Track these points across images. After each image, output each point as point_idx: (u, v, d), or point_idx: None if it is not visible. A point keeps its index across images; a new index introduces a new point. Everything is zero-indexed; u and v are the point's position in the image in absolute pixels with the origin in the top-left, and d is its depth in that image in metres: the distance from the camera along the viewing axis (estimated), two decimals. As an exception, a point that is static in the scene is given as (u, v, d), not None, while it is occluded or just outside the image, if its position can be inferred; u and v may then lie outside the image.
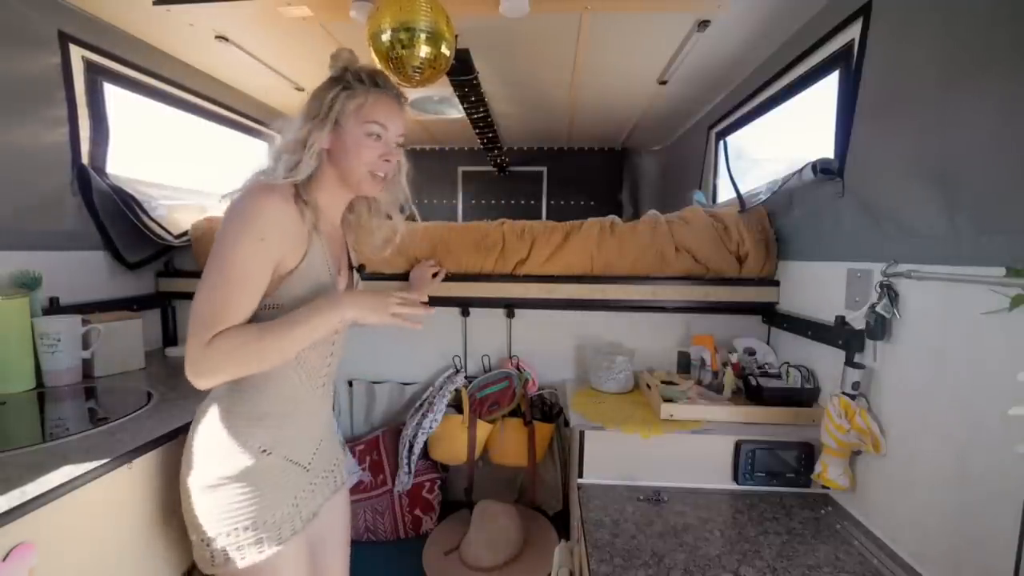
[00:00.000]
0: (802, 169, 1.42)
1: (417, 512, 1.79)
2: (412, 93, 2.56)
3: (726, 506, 1.22)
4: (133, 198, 1.74)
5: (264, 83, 2.27)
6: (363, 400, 1.94)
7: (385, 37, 1.37)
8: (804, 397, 1.37)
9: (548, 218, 3.98)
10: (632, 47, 1.90)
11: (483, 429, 1.69)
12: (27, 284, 1.39)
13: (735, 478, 1.31)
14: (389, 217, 1.14)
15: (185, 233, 1.87)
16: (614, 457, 1.34)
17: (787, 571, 0.97)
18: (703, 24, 1.65)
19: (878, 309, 1.08)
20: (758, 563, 0.99)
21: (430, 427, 1.68)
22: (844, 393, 1.16)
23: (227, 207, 0.89)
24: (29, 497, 0.78)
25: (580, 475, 1.34)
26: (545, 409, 1.80)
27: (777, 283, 1.63)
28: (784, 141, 2.07)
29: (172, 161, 2.15)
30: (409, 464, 1.71)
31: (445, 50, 1.43)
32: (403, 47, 1.37)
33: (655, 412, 1.40)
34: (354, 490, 1.78)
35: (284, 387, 0.96)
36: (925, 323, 1.01)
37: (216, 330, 0.81)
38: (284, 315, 0.88)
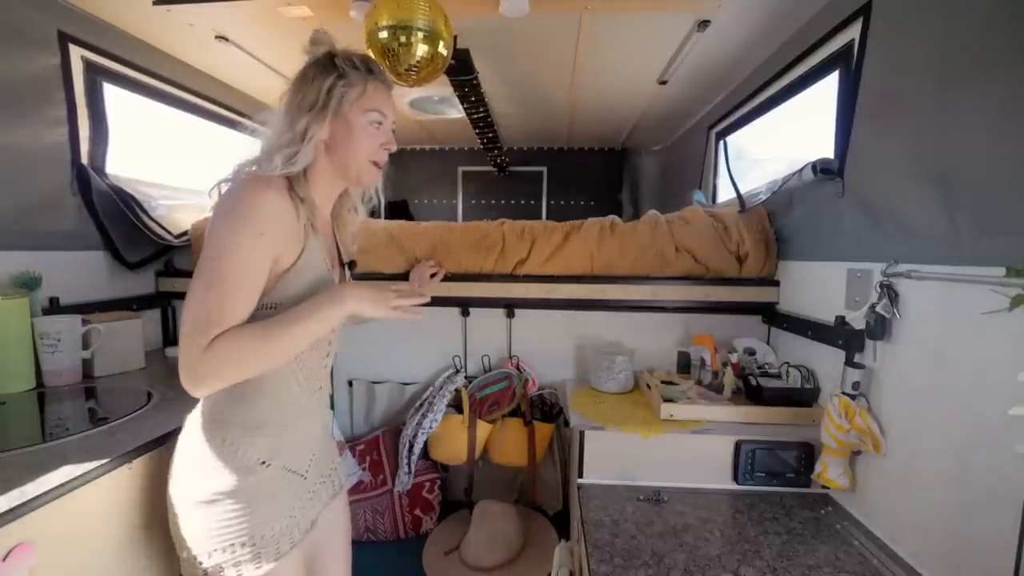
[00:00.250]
0: (802, 169, 1.42)
1: (417, 512, 1.79)
2: (412, 93, 2.57)
3: (726, 506, 1.22)
4: (133, 198, 1.74)
5: (264, 83, 2.27)
6: (363, 400, 1.94)
7: (382, 35, 1.37)
8: (804, 397, 1.36)
9: (548, 218, 3.98)
10: (632, 47, 1.90)
11: (483, 429, 1.69)
12: (27, 284, 1.39)
13: (735, 478, 1.31)
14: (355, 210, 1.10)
15: (185, 233, 1.87)
16: (614, 457, 1.34)
17: (787, 571, 0.97)
18: (703, 24, 1.65)
19: (878, 309, 1.08)
20: (758, 563, 0.99)
21: (430, 427, 1.68)
22: (844, 393, 1.16)
23: (219, 201, 0.84)
24: (29, 497, 0.78)
25: (580, 475, 1.34)
26: (545, 409, 1.80)
27: (777, 283, 1.63)
28: (784, 141, 2.07)
29: (172, 161, 2.15)
30: (409, 464, 1.71)
31: (443, 50, 1.43)
32: (400, 46, 1.37)
33: (655, 412, 1.40)
34: (354, 490, 1.78)
35: (283, 392, 0.92)
36: (925, 323, 1.01)
37: (214, 332, 0.76)
38: (283, 313, 0.84)
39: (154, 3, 1.54)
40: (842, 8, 1.36)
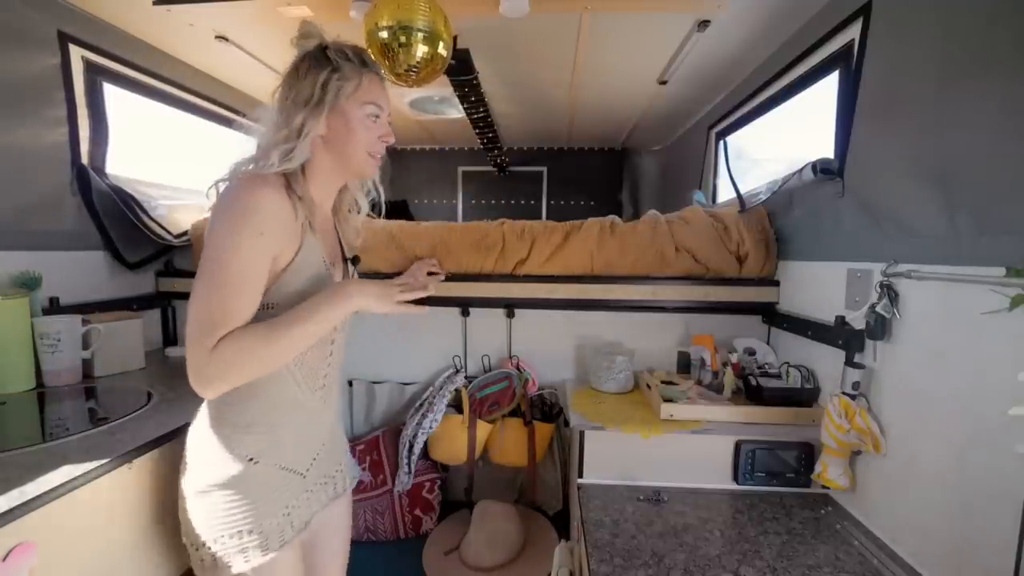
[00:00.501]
0: (802, 169, 1.42)
1: (417, 512, 1.79)
2: (412, 93, 2.57)
3: (726, 506, 1.22)
4: (133, 198, 1.74)
5: (264, 83, 2.26)
6: (363, 400, 1.94)
7: (382, 35, 1.37)
8: (804, 397, 1.36)
9: (548, 218, 3.98)
10: (632, 47, 1.90)
11: (483, 429, 1.69)
12: (27, 284, 1.39)
13: (735, 478, 1.31)
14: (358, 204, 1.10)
15: (185, 233, 1.87)
16: (614, 457, 1.34)
17: (787, 571, 0.97)
18: (703, 24, 1.65)
19: (878, 309, 1.08)
20: (758, 563, 0.99)
21: (430, 427, 1.68)
22: (844, 393, 1.16)
23: (217, 201, 0.83)
24: (29, 497, 0.78)
25: (580, 475, 1.34)
26: (545, 409, 1.80)
27: (777, 283, 1.63)
28: (784, 141, 2.07)
29: (172, 161, 2.15)
30: (409, 464, 1.71)
31: (442, 50, 1.43)
32: (400, 46, 1.37)
33: (655, 412, 1.40)
34: (354, 490, 1.77)
35: (280, 391, 0.91)
36: (925, 323, 1.01)
37: (219, 335, 0.76)
38: (284, 313, 0.83)
39: (154, 3, 1.54)
40: (842, 8, 1.36)
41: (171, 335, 1.95)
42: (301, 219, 0.87)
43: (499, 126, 3.09)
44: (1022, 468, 0.78)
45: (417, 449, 1.70)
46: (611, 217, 1.73)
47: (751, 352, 1.61)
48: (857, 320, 1.18)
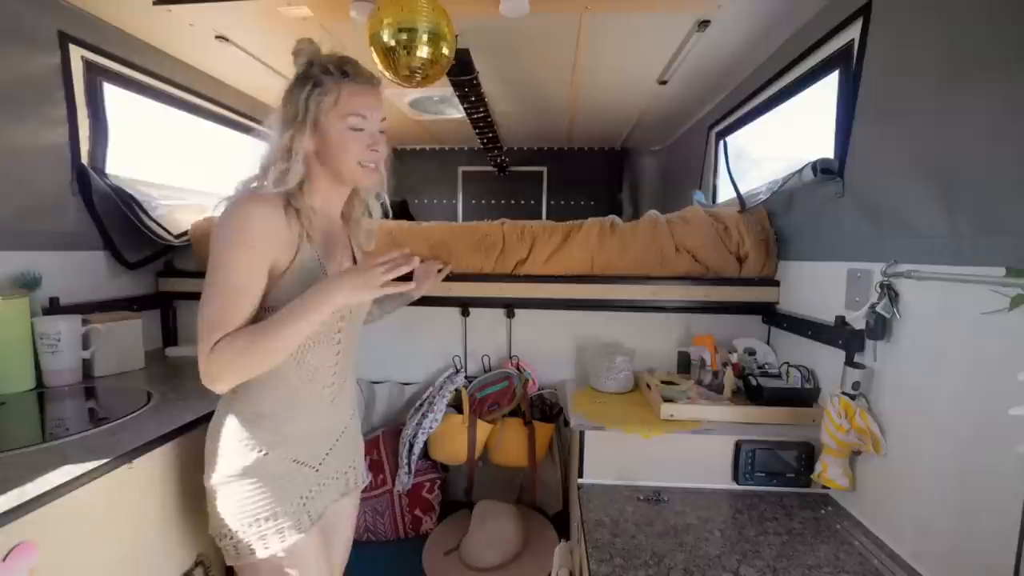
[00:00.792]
0: (802, 169, 1.42)
1: (417, 512, 1.79)
2: (412, 93, 2.57)
3: (726, 506, 1.22)
4: (133, 198, 1.73)
5: (264, 83, 2.27)
6: (363, 400, 1.94)
7: (386, 37, 1.37)
8: (804, 397, 1.37)
9: (548, 218, 3.98)
10: (632, 47, 1.90)
11: (483, 429, 1.69)
12: (27, 284, 1.39)
13: (735, 478, 1.31)
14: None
15: (185, 233, 1.87)
16: (614, 457, 1.34)
17: (787, 571, 0.97)
18: (703, 24, 1.65)
19: (878, 309, 1.08)
20: (758, 563, 0.99)
21: (430, 427, 1.68)
22: (844, 393, 1.16)
23: (219, 217, 0.89)
24: (29, 497, 0.78)
25: (580, 475, 1.34)
26: (545, 409, 1.80)
27: (777, 283, 1.63)
28: (784, 141, 2.07)
29: (172, 161, 2.15)
30: (409, 464, 1.71)
31: (445, 50, 1.43)
32: (404, 47, 1.37)
33: (655, 412, 1.40)
34: (354, 490, 1.78)
35: (282, 388, 0.96)
36: (925, 323, 1.01)
37: (217, 337, 0.84)
38: (273, 315, 0.87)
39: (154, 3, 1.54)
40: (842, 8, 1.36)
41: (171, 335, 1.95)
42: (298, 230, 0.92)
43: (499, 126, 3.09)
44: (1022, 468, 0.78)
45: (417, 449, 1.70)
46: (611, 217, 1.73)
47: (751, 352, 1.61)
48: (857, 320, 1.18)
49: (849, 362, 1.18)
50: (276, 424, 0.96)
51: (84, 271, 1.63)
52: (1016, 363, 0.79)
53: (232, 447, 0.94)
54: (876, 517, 1.12)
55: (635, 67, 2.11)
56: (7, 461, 0.87)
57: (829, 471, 1.18)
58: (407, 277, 0.96)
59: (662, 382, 1.52)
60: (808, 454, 1.28)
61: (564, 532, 1.66)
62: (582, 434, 1.34)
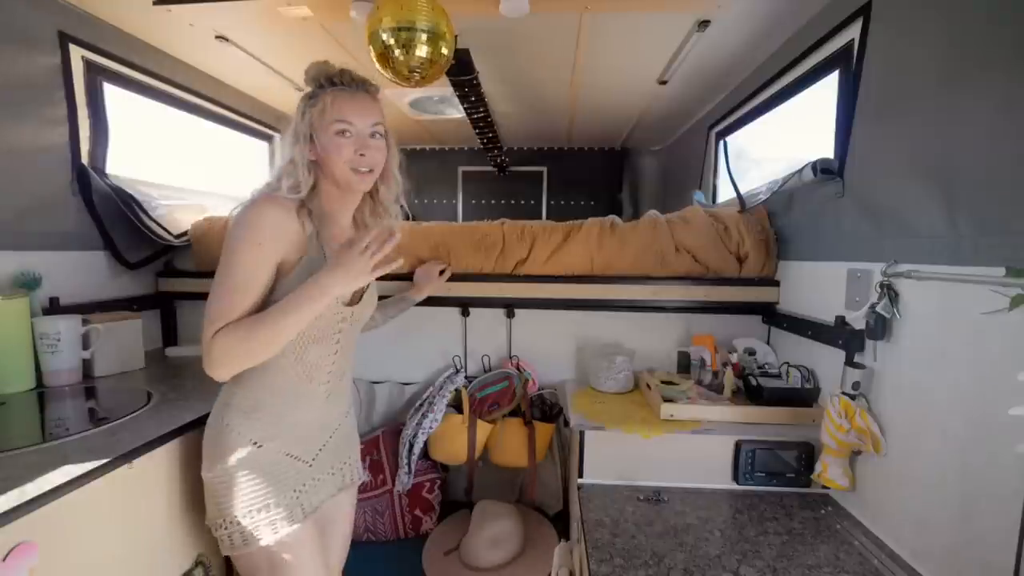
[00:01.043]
0: (802, 169, 1.42)
1: (417, 512, 1.79)
2: (412, 93, 2.57)
3: (726, 506, 1.22)
4: (133, 198, 1.73)
5: (264, 83, 2.27)
6: (363, 400, 1.94)
7: (384, 36, 1.37)
8: (804, 397, 1.37)
9: (548, 218, 3.98)
10: (632, 47, 1.90)
11: (483, 429, 1.69)
12: (27, 284, 1.39)
13: (735, 478, 1.31)
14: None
15: (185, 233, 1.87)
16: (614, 457, 1.34)
17: (787, 571, 0.97)
18: (703, 24, 1.65)
19: (878, 309, 1.08)
20: (758, 563, 0.99)
21: (430, 427, 1.68)
22: (844, 393, 1.16)
23: (235, 216, 0.95)
24: (29, 497, 0.78)
25: (580, 475, 1.34)
26: (545, 409, 1.80)
27: (777, 283, 1.63)
28: (784, 141, 2.07)
29: (172, 161, 2.15)
30: (409, 464, 1.71)
31: (444, 50, 1.43)
32: (402, 46, 1.37)
33: (655, 412, 1.40)
34: (354, 490, 1.78)
35: (279, 381, 1.00)
36: (925, 323, 1.01)
37: (220, 325, 0.89)
38: (271, 307, 0.93)
39: (154, 3, 1.54)
40: (842, 8, 1.36)
41: (171, 335, 1.95)
42: (310, 231, 0.98)
43: (499, 126, 3.09)
44: (1022, 468, 0.78)
45: (417, 449, 1.70)
46: (611, 217, 1.73)
47: (751, 352, 1.61)
48: (857, 320, 1.18)
49: (849, 362, 1.18)
50: (272, 417, 1.00)
51: (84, 271, 1.63)
52: (1016, 363, 0.79)
53: (228, 438, 0.97)
54: (876, 517, 1.12)
55: (635, 67, 2.11)
56: (7, 461, 0.87)
57: (829, 471, 1.18)
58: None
59: (662, 382, 1.52)
60: (808, 454, 1.28)
61: (564, 532, 1.66)
62: (582, 434, 1.34)
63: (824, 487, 1.22)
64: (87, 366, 1.45)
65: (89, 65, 1.63)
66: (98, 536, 0.92)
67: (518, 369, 1.79)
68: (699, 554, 1.02)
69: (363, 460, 1.81)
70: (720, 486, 1.31)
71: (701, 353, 1.58)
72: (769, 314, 1.65)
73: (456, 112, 2.78)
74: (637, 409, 1.47)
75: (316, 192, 1.01)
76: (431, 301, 1.62)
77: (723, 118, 2.39)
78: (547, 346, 1.85)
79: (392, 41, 1.36)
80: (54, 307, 1.48)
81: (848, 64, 1.35)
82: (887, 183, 1.13)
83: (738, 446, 1.30)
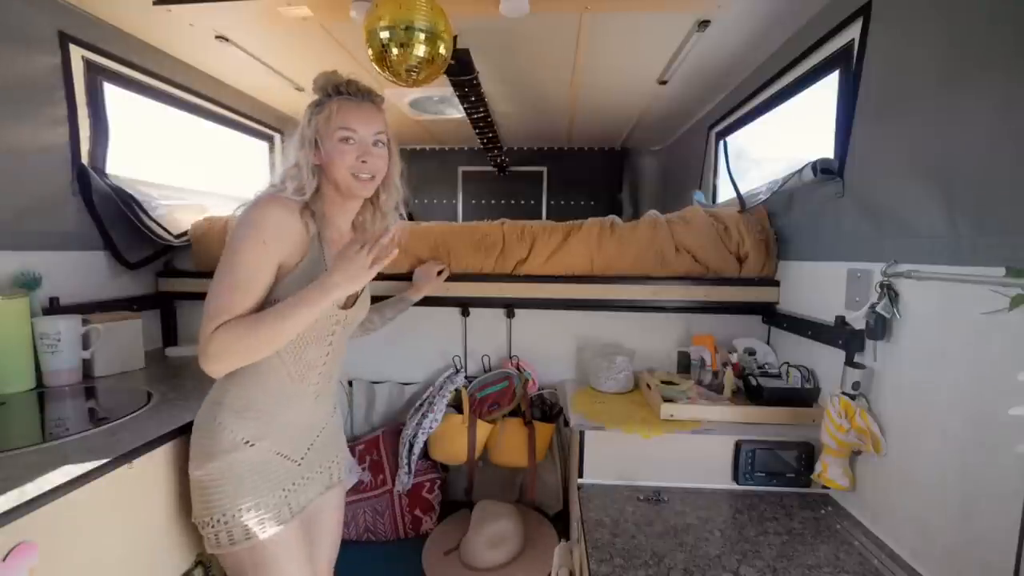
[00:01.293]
0: (802, 169, 1.42)
1: (417, 512, 1.79)
2: (412, 93, 2.57)
3: (726, 506, 1.22)
4: (133, 198, 1.74)
5: (264, 83, 2.27)
6: (363, 400, 1.94)
7: (382, 35, 1.36)
8: (804, 397, 1.37)
9: (548, 218, 3.98)
10: (632, 47, 1.90)
11: (483, 429, 1.69)
12: (27, 284, 1.39)
13: (735, 478, 1.31)
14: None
15: (185, 233, 1.87)
16: (614, 457, 1.34)
17: (787, 571, 0.97)
18: (703, 24, 1.65)
19: (878, 309, 1.08)
20: (758, 563, 0.99)
21: (430, 427, 1.68)
22: (844, 393, 1.16)
23: (239, 215, 0.97)
24: (29, 497, 0.78)
25: (580, 475, 1.34)
26: (545, 409, 1.80)
27: (777, 283, 1.63)
28: (784, 141, 2.07)
29: (172, 161, 2.15)
30: (409, 464, 1.71)
31: (442, 50, 1.43)
32: (400, 46, 1.37)
33: (655, 412, 1.40)
34: (354, 490, 1.78)
35: (272, 380, 1.01)
36: (925, 323, 1.01)
37: (220, 321, 0.90)
38: (274, 306, 0.94)
39: (154, 3, 1.54)
40: (842, 8, 1.36)
41: (171, 335, 1.95)
42: (313, 232, 1.00)
43: (499, 126, 3.09)
44: (1022, 468, 0.78)
45: (417, 449, 1.70)
46: (611, 217, 1.73)
47: (751, 352, 1.61)
48: (857, 320, 1.18)
49: (849, 362, 1.18)
50: (264, 416, 1.01)
51: (84, 271, 1.63)
52: (1016, 363, 0.79)
53: (220, 437, 0.98)
54: (876, 517, 1.12)
55: (635, 67, 2.11)
56: (7, 461, 0.87)
57: (829, 471, 1.18)
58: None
59: (662, 382, 1.52)
60: (808, 454, 1.28)
61: (564, 532, 1.66)
62: (582, 434, 1.34)
63: (824, 487, 1.22)
64: (87, 366, 1.45)
65: (89, 65, 1.63)
66: (98, 536, 0.92)
67: (518, 369, 1.79)
68: (699, 554, 1.02)
69: (363, 460, 1.83)
70: (720, 486, 1.31)
71: (701, 353, 1.58)
72: (769, 314, 1.65)
73: (456, 112, 2.78)
74: (637, 409, 1.47)
75: (318, 195, 1.03)
76: (431, 301, 1.62)
77: (723, 118, 2.39)
78: (547, 346, 1.85)
79: (390, 40, 1.36)
80: (54, 307, 1.48)
81: (848, 64, 1.35)
82: (887, 183, 1.13)
83: (738, 446, 1.30)
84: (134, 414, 1.14)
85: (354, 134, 1.00)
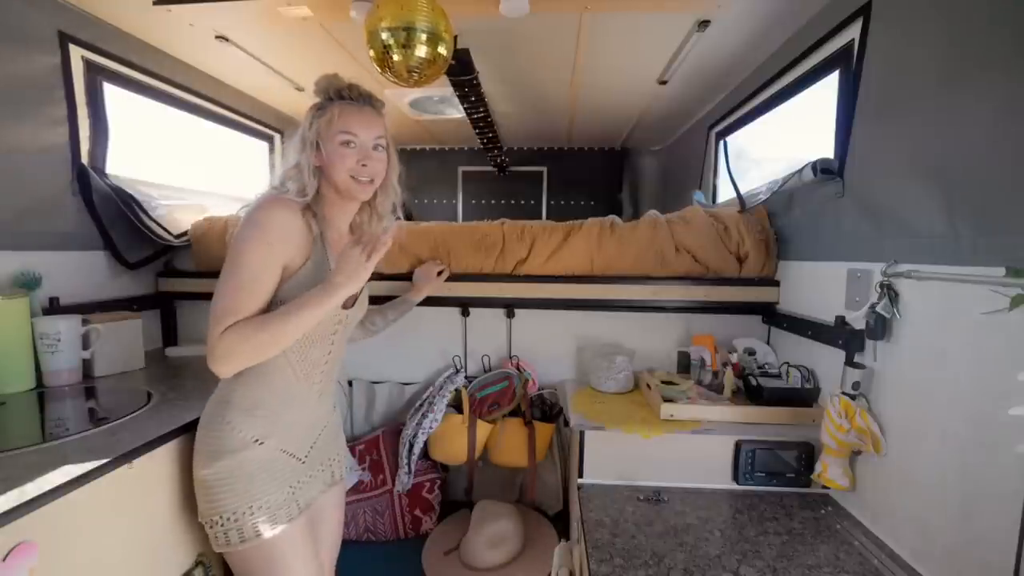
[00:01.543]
0: (802, 169, 1.42)
1: (417, 512, 1.79)
2: (412, 93, 2.57)
3: (726, 506, 1.22)
4: (133, 198, 1.74)
5: (264, 83, 2.27)
6: (363, 400, 1.94)
7: (383, 36, 1.37)
8: (804, 397, 1.37)
9: (548, 218, 3.98)
10: (632, 47, 1.90)
11: (483, 429, 1.69)
12: (27, 284, 1.39)
13: (735, 478, 1.31)
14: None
15: (185, 233, 1.87)
16: (614, 457, 1.34)
17: (787, 571, 0.97)
18: (703, 24, 1.65)
19: (878, 309, 1.08)
20: (758, 563, 0.99)
21: (430, 427, 1.68)
22: (844, 393, 1.16)
23: (243, 216, 0.98)
24: (29, 497, 0.78)
25: (580, 475, 1.34)
26: (545, 409, 1.80)
27: (777, 283, 1.63)
28: (784, 141, 2.07)
29: (172, 161, 2.15)
30: (409, 464, 1.71)
31: (443, 50, 1.43)
32: (401, 46, 1.37)
33: (655, 412, 1.40)
34: (354, 490, 1.78)
35: (278, 379, 1.03)
36: (925, 323, 1.01)
37: (228, 322, 0.91)
38: (280, 308, 0.96)
39: (154, 3, 1.54)
40: (842, 8, 1.36)
41: (171, 335, 1.95)
42: (315, 233, 1.02)
43: (499, 126, 3.09)
44: (1022, 468, 0.78)
45: (417, 449, 1.70)
46: (611, 217, 1.73)
47: (751, 352, 1.61)
48: (857, 320, 1.18)
49: (849, 362, 1.18)
50: (271, 415, 1.02)
51: (84, 271, 1.63)
52: (1016, 363, 0.79)
53: (230, 436, 0.99)
54: (876, 517, 1.12)
55: (635, 67, 2.11)
56: (7, 461, 0.87)
57: (829, 471, 1.18)
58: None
59: (662, 382, 1.52)
60: (808, 454, 1.28)
61: (564, 532, 1.66)
62: (582, 434, 1.34)
63: (824, 487, 1.22)
64: (87, 366, 1.45)
65: (89, 65, 1.63)
66: (98, 536, 0.92)
67: (518, 369, 1.79)
68: (699, 554, 1.02)
69: (363, 460, 1.83)
70: (720, 486, 1.31)
71: (701, 353, 1.58)
72: (769, 314, 1.65)
73: (456, 112, 2.78)
74: (637, 409, 1.47)
75: (318, 197, 1.05)
76: (431, 301, 1.63)
77: (723, 118, 2.39)
78: (547, 346, 1.85)
79: (391, 41, 1.36)
80: (54, 307, 1.48)
81: (848, 64, 1.35)
82: (887, 183, 1.13)
83: (738, 446, 1.30)
84: (134, 414, 1.14)
85: (355, 138, 1.02)
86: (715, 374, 1.54)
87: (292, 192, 1.01)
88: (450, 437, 1.70)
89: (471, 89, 2.22)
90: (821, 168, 1.34)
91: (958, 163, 0.94)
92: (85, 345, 1.42)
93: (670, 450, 1.32)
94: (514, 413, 1.72)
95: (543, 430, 1.73)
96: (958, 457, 0.91)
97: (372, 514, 1.79)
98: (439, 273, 1.65)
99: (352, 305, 1.13)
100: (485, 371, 1.87)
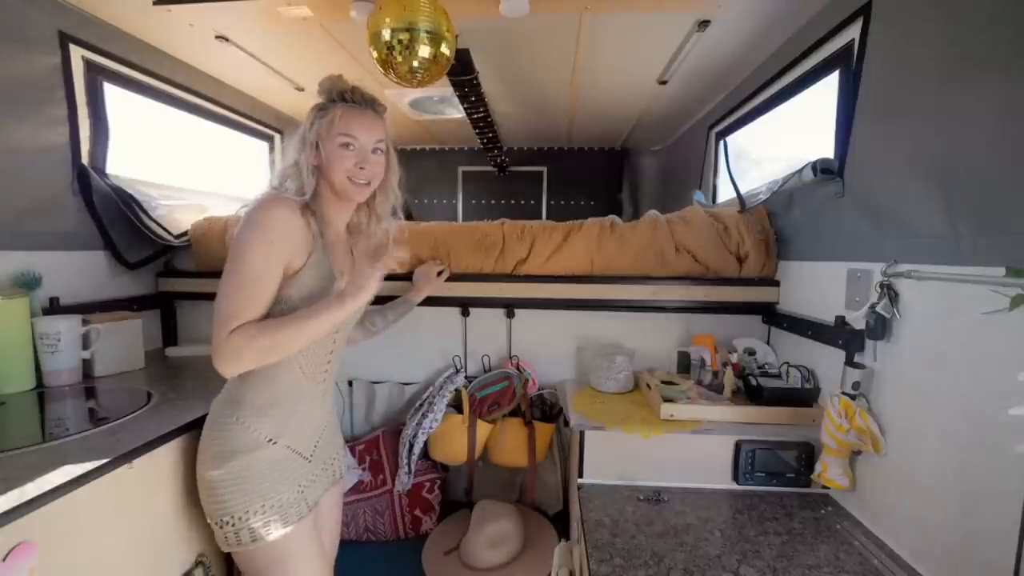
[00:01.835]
0: (802, 169, 1.42)
1: (417, 512, 1.79)
2: (412, 93, 2.57)
3: (726, 506, 1.22)
4: (133, 198, 1.73)
5: (264, 83, 2.27)
6: (363, 400, 1.94)
7: (386, 37, 1.37)
8: (804, 397, 1.37)
9: (548, 218, 3.98)
10: (632, 47, 1.90)
11: (483, 429, 1.69)
12: (27, 284, 1.39)
13: (735, 478, 1.31)
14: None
15: (185, 233, 1.87)
16: (614, 457, 1.34)
17: (787, 571, 0.97)
18: (703, 24, 1.65)
19: (878, 309, 1.08)
20: (758, 563, 0.99)
21: (430, 427, 1.68)
22: (844, 393, 1.16)
23: (243, 216, 0.98)
24: (29, 497, 0.78)
25: (580, 475, 1.34)
26: (545, 409, 1.80)
27: (777, 283, 1.63)
28: (784, 141, 2.07)
29: (172, 161, 2.15)
30: (409, 464, 1.71)
31: (445, 50, 1.43)
32: (404, 47, 1.37)
33: (655, 412, 1.40)
34: (354, 490, 1.78)
35: (287, 378, 1.04)
36: (925, 323, 1.01)
37: (234, 324, 0.91)
38: (293, 311, 0.98)
39: (154, 3, 1.54)
40: (842, 8, 1.36)
41: (171, 335, 1.95)
42: (315, 232, 1.02)
43: (499, 126, 3.09)
44: (1022, 468, 0.78)
45: (417, 449, 1.70)
46: (611, 217, 1.73)
47: (751, 352, 1.61)
48: (857, 320, 1.18)
49: (849, 362, 1.18)
50: (282, 414, 1.04)
51: (84, 271, 1.63)
52: (1016, 363, 0.79)
53: (243, 436, 1.00)
54: (876, 517, 1.12)
55: (635, 67, 2.11)
56: (7, 461, 0.87)
57: (829, 471, 1.18)
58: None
59: (662, 382, 1.52)
60: (808, 454, 1.28)
61: (564, 532, 1.66)
62: (582, 434, 1.34)
63: (824, 487, 1.22)
64: (87, 366, 1.45)
65: (89, 65, 1.63)
66: (98, 536, 0.92)
67: (518, 369, 1.79)
68: (699, 554, 1.02)
69: (363, 460, 1.83)
70: (720, 486, 1.31)
71: (701, 353, 1.58)
72: (769, 314, 1.65)
73: (456, 112, 2.78)
74: (637, 409, 1.47)
75: (316, 196, 1.06)
76: (431, 301, 1.63)
77: (723, 118, 2.39)
78: (547, 346, 1.85)
79: (394, 42, 1.37)
80: (54, 307, 1.48)
81: (848, 64, 1.35)
82: (887, 183, 1.13)
83: (738, 446, 1.30)
84: (134, 414, 1.14)
85: (355, 141, 1.03)
86: (715, 374, 1.54)
87: (291, 191, 1.02)
88: (450, 437, 1.70)
89: (471, 89, 2.22)
90: (821, 168, 1.34)
91: (958, 163, 0.94)
92: (85, 345, 1.42)
93: (670, 450, 1.32)
94: (514, 413, 1.72)
95: (543, 430, 1.73)
96: (958, 457, 0.91)
97: (372, 514, 1.79)
98: (439, 273, 1.65)
99: None
100: (485, 371, 1.87)
